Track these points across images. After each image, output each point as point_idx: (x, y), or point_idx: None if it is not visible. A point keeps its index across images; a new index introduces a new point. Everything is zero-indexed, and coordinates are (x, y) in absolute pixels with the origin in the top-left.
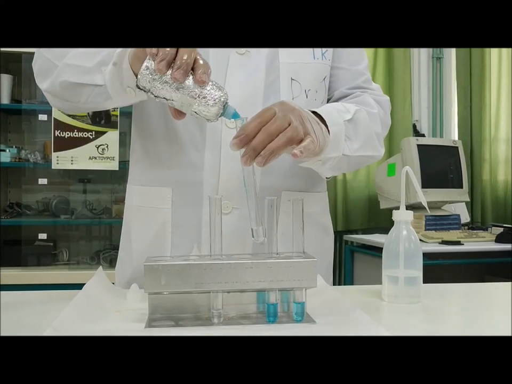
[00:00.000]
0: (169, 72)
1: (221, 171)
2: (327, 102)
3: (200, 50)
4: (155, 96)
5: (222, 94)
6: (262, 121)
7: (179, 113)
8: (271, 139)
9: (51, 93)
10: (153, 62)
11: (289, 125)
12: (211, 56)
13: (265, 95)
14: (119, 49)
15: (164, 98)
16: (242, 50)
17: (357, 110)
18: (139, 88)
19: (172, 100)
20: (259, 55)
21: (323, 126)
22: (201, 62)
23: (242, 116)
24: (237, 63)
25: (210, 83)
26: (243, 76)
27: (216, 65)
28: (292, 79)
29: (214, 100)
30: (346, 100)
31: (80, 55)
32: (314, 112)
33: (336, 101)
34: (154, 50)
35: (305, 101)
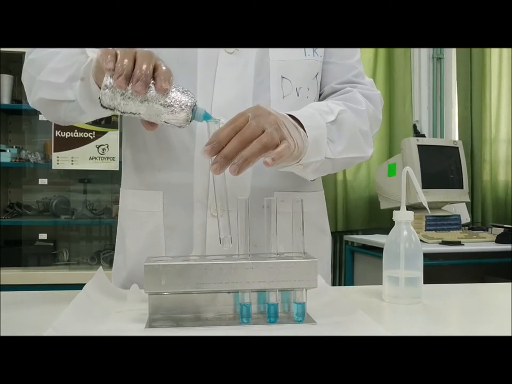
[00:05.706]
0: (130, 85)
1: (210, 173)
2: (319, 98)
3: (189, 50)
4: (122, 112)
5: (187, 99)
6: (235, 127)
7: (151, 124)
8: (244, 146)
9: (35, 107)
10: (111, 79)
11: (264, 131)
12: (200, 56)
13: (255, 94)
14: (86, 63)
15: (131, 113)
16: (232, 49)
17: (341, 110)
18: (103, 107)
19: (139, 114)
20: (249, 54)
21: (302, 130)
22: (162, 68)
23: (222, 117)
24: (226, 62)
25: (174, 89)
26: (232, 75)
27: (205, 65)
28: (282, 77)
29: (181, 106)
30: (335, 95)
31: (52, 72)
32: (293, 116)
33: (326, 96)
34: (110, 65)
35: (296, 99)
